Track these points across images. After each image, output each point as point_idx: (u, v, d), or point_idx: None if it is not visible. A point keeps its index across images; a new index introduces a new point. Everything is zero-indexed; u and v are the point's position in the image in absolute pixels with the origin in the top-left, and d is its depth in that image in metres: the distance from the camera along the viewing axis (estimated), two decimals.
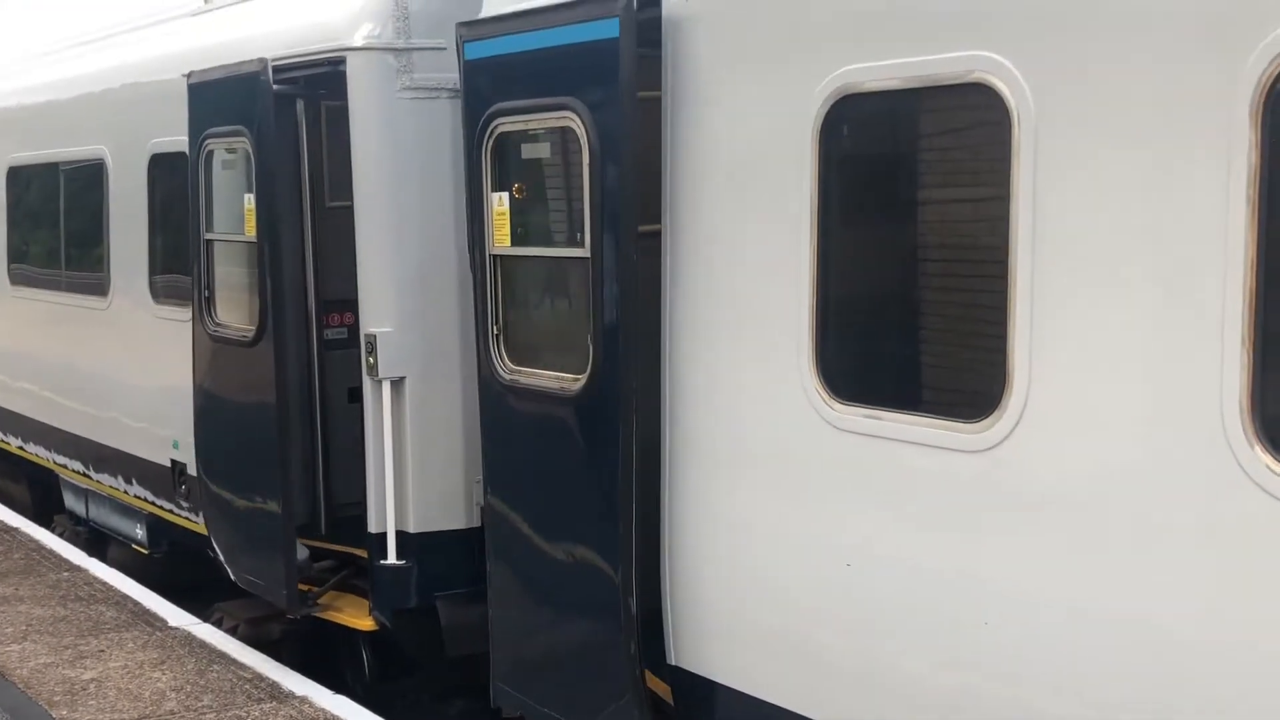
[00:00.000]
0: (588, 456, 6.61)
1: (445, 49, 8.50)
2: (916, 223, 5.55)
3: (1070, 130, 4.71)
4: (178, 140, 10.46)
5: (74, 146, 12.40)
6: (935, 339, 5.48)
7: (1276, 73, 4.14)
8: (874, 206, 5.68)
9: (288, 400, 8.87)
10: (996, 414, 4.94)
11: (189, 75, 9.64)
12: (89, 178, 12.10)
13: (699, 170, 6.14)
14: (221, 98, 9.30)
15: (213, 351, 9.55)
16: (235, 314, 9.37)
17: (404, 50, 8.50)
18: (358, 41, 8.55)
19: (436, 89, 8.53)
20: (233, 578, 9.59)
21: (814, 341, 5.62)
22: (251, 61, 8.87)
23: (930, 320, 5.46)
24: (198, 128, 9.58)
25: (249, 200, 8.95)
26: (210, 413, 9.69)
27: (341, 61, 8.61)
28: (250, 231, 8.98)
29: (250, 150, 8.90)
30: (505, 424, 7.19)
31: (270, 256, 8.80)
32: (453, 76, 8.47)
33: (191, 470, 10.57)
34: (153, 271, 11.06)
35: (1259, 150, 4.18)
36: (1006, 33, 4.88)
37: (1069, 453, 4.77)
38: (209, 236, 9.54)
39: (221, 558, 9.62)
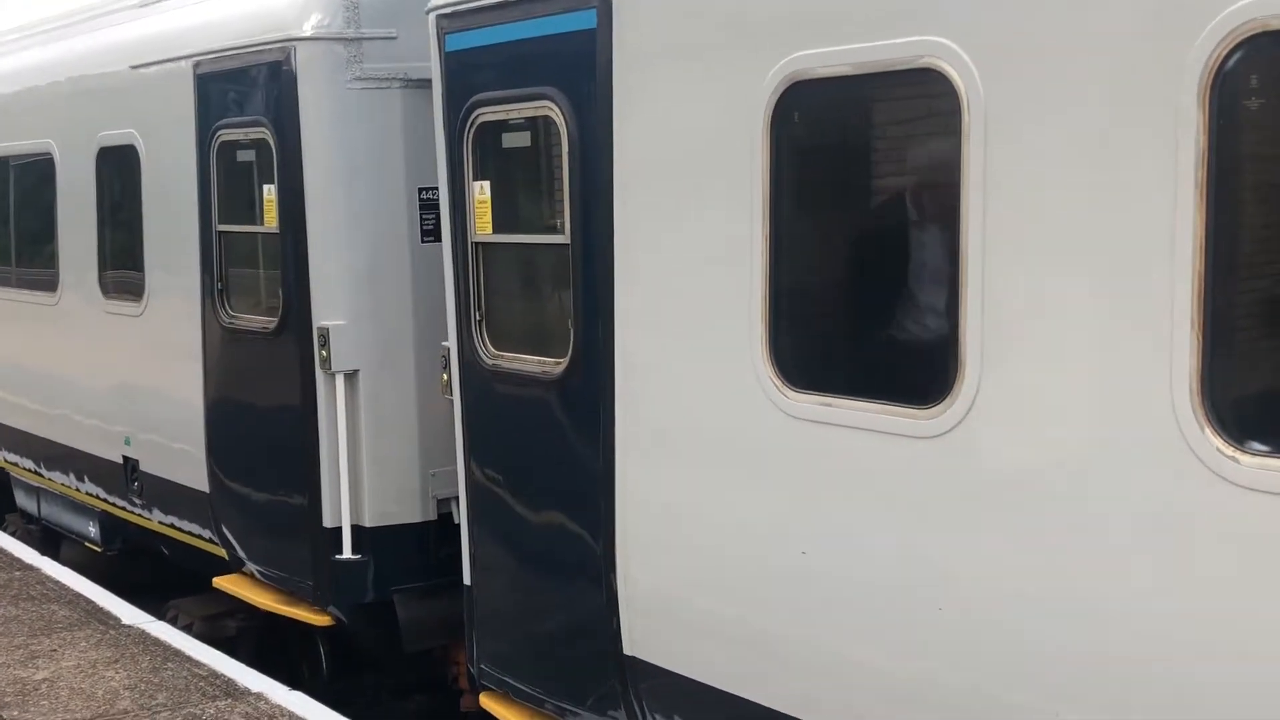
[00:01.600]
0: (570, 437, 6.69)
1: (396, 38, 8.47)
2: (868, 210, 5.55)
3: (1019, 115, 4.71)
4: (126, 133, 10.40)
5: (22, 140, 12.29)
6: (888, 326, 5.48)
7: (1224, 54, 4.15)
8: (826, 194, 5.68)
9: (316, 390, 8.74)
10: (949, 400, 4.95)
11: (197, 65, 9.47)
12: (38, 172, 11.99)
13: (651, 158, 6.13)
14: (237, 87, 9.15)
15: (228, 343, 9.45)
16: (254, 305, 9.28)
17: (354, 40, 8.45)
18: (307, 31, 8.50)
19: (388, 79, 8.49)
20: (250, 569, 9.51)
21: (767, 329, 5.62)
22: (271, 49, 8.72)
23: (882, 307, 5.47)
24: (208, 119, 9.40)
25: (269, 191, 8.85)
26: (225, 404, 9.57)
27: (291, 52, 8.55)
28: (271, 222, 8.89)
29: (271, 140, 8.77)
30: (488, 408, 7.24)
31: (295, 247, 8.71)
32: (404, 66, 8.46)
33: (144, 467, 10.52)
34: (102, 267, 10.98)
35: (1206, 132, 4.19)
36: (955, 17, 4.88)
37: (1021, 438, 4.78)
38: (222, 228, 9.42)
39: (239, 551, 9.52)
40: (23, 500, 13.15)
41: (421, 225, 8.57)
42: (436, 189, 7.66)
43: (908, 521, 5.15)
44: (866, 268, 5.54)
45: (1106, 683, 4.56)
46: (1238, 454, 4.17)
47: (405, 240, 8.57)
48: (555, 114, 6.60)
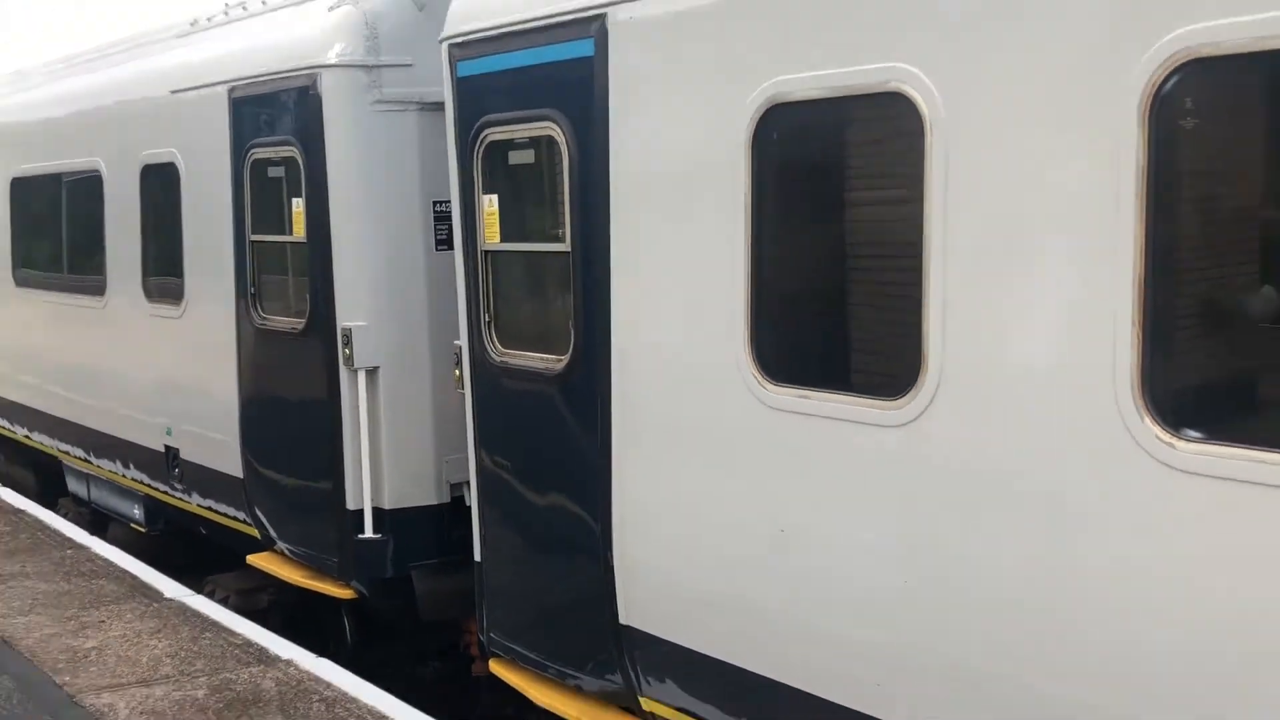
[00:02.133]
0: (571, 427, 6.70)
1: (411, 65, 8.49)
2: (842, 221, 5.56)
3: (978, 135, 4.72)
4: (167, 152, 10.40)
5: (73, 159, 12.28)
6: (859, 325, 5.49)
7: (1161, 79, 4.17)
8: (802, 206, 5.68)
9: (340, 385, 8.72)
10: (913, 391, 4.97)
11: (232, 89, 9.49)
12: (88, 188, 11.98)
13: (643, 173, 6.14)
14: (268, 110, 9.16)
15: (260, 343, 9.45)
16: (283, 308, 9.28)
17: (374, 67, 8.47)
18: (331, 59, 8.51)
19: (405, 102, 8.50)
20: (281, 548, 9.51)
21: (749, 329, 5.63)
22: (300, 74, 8.72)
23: (854, 308, 5.48)
24: (242, 138, 9.40)
25: (297, 204, 8.86)
26: (257, 397, 9.57)
27: (317, 78, 8.56)
28: (299, 232, 8.90)
29: (299, 158, 8.77)
30: (496, 400, 7.25)
31: (320, 255, 8.70)
32: (419, 91, 8.47)
33: (184, 455, 10.52)
34: (146, 273, 10.97)
35: (1146, 150, 4.21)
36: (919, 45, 4.89)
37: (979, 426, 4.79)
38: (254, 238, 9.43)
39: (271, 531, 9.52)
40: (74, 485, 13.16)
41: (435, 235, 8.58)
42: (449, 202, 7.67)
43: (877, 503, 5.16)
44: (839, 273, 5.55)
45: (1064, 660, 4.57)
46: (1174, 440, 4.19)
47: (421, 248, 8.58)
48: (557, 133, 6.61)
